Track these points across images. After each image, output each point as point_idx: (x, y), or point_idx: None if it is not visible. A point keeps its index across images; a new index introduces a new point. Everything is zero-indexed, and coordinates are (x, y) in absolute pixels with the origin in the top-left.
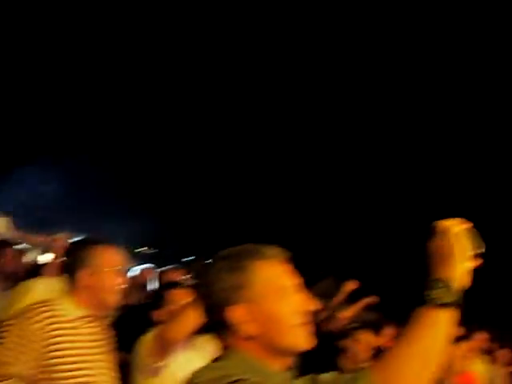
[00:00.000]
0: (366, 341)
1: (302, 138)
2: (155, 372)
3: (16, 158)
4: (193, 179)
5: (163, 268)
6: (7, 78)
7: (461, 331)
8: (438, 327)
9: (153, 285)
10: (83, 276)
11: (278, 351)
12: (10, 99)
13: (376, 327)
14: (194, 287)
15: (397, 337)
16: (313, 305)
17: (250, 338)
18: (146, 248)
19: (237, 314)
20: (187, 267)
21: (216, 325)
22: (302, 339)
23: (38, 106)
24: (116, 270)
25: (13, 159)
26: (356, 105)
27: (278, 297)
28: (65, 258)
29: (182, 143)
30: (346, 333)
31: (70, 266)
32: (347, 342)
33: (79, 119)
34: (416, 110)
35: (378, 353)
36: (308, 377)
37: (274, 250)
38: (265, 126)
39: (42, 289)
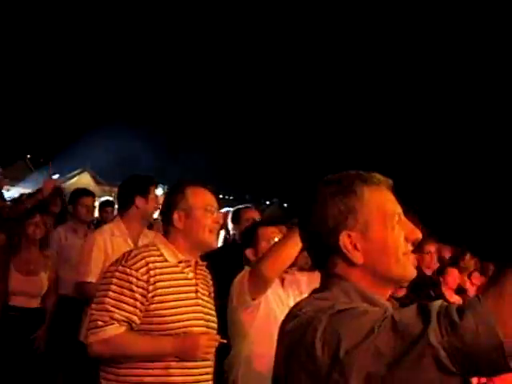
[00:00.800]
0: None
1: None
2: (252, 309)
3: (103, 115)
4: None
5: (239, 206)
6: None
7: None
8: None
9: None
10: (177, 218)
11: (385, 280)
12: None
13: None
14: (296, 215)
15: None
16: (420, 234)
17: (358, 265)
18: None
19: (348, 239)
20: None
21: (324, 252)
22: (409, 268)
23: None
24: (208, 210)
25: (101, 116)
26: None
27: (389, 223)
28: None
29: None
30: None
31: (165, 210)
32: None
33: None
34: None
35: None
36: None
37: (381, 177)
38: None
39: (102, 238)
